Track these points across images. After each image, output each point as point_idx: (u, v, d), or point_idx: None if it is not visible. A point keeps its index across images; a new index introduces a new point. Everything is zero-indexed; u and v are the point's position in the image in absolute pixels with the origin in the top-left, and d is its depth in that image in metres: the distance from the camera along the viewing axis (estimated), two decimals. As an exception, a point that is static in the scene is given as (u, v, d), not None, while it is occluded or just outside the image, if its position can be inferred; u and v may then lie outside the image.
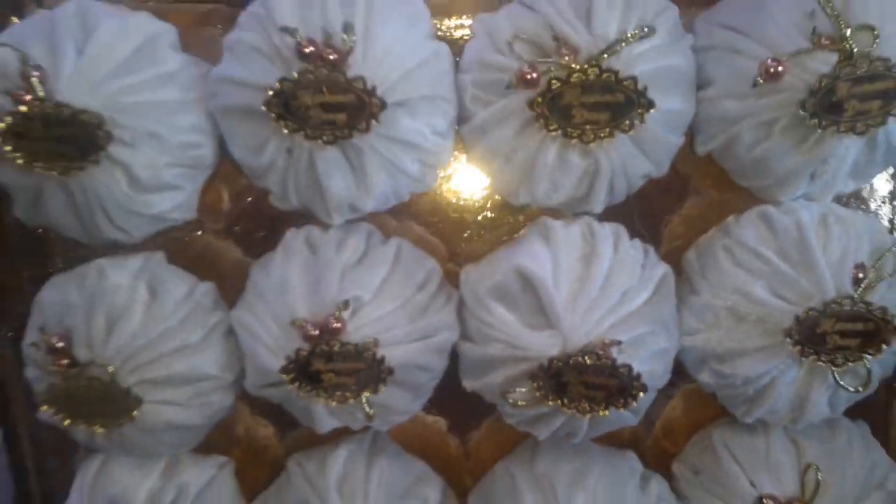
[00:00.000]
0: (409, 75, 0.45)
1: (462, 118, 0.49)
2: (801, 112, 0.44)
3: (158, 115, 0.47)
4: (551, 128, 0.45)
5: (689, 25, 0.51)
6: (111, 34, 0.46)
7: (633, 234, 0.54)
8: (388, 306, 0.49)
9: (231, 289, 0.55)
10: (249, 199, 0.56)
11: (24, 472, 0.62)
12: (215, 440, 0.58)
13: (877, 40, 0.43)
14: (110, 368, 0.48)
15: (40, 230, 0.56)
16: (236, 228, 0.57)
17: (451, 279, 0.55)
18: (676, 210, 0.58)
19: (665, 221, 0.58)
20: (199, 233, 0.57)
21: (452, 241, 0.58)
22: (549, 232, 0.50)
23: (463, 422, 0.61)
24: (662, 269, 0.51)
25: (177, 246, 0.55)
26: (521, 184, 0.49)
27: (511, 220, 0.56)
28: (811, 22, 0.44)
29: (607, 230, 0.51)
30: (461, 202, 0.57)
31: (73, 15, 0.47)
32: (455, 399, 0.56)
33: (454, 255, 0.58)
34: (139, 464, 0.55)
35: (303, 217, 0.53)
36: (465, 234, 0.57)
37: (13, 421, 0.61)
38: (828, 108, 0.44)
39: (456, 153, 0.54)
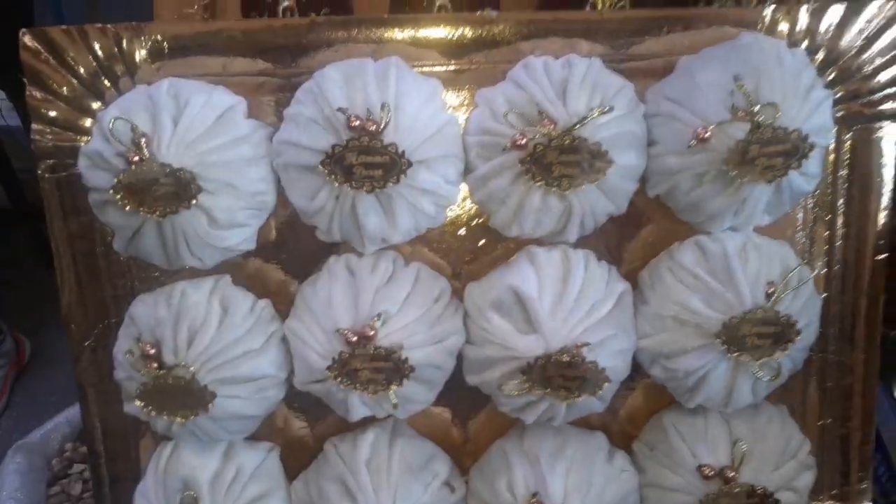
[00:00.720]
0: (428, 140, 0.57)
1: (468, 169, 0.61)
2: (724, 167, 0.56)
3: (235, 169, 0.58)
4: (536, 179, 0.56)
5: (643, 93, 0.62)
6: (199, 106, 0.57)
7: (601, 256, 0.65)
8: (410, 317, 0.59)
9: (277, 303, 0.66)
10: (293, 231, 0.67)
11: (97, 458, 0.72)
12: (261, 430, 0.68)
13: (778, 114, 0.55)
14: (192, 369, 0.58)
15: (122, 257, 0.66)
16: (283, 256, 0.67)
17: (456, 293, 0.65)
18: (635, 237, 0.67)
19: (626, 246, 0.67)
20: (252, 258, 0.67)
21: (456, 263, 0.68)
22: (535, 257, 0.61)
23: (464, 412, 0.71)
24: (622, 285, 0.62)
25: (234, 269, 0.66)
26: (513, 220, 0.60)
27: (504, 247, 0.66)
28: (731, 99, 0.56)
29: (580, 255, 0.62)
30: (464, 232, 0.67)
31: (167, 91, 0.58)
32: (457, 393, 0.66)
33: (457, 275, 0.68)
34: (204, 448, 0.65)
35: (335, 247, 0.64)
36: (467, 258, 0.67)
37: (89, 416, 0.71)
38: (743, 163, 0.56)
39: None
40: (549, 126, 0.56)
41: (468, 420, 0.72)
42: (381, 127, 0.55)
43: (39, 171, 0.64)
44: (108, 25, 0.62)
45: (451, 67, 0.64)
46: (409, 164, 0.56)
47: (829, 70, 0.64)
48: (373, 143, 0.55)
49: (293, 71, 0.64)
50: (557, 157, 0.56)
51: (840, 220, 0.67)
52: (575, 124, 0.55)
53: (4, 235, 1.87)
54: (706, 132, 0.56)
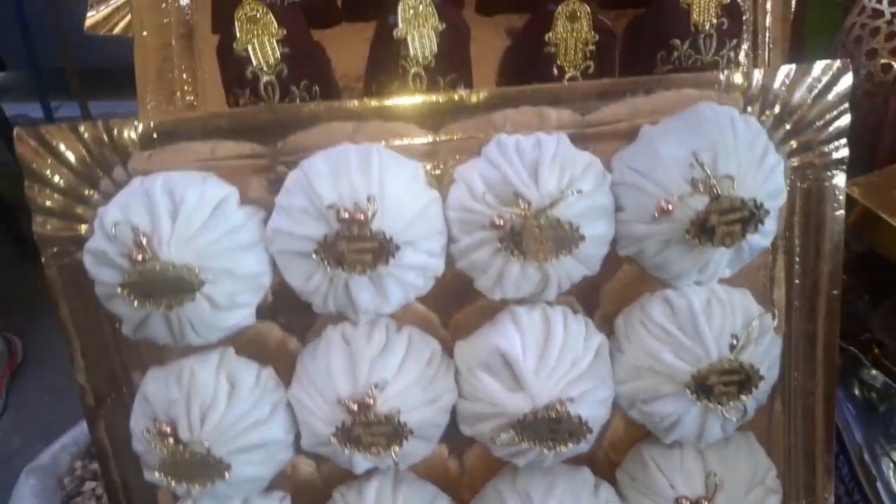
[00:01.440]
0: (413, 221, 0.61)
1: (451, 240, 0.65)
2: (687, 235, 0.61)
3: (232, 257, 0.61)
4: (515, 253, 0.61)
5: (610, 156, 0.67)
6: (194, 202, 0.60)
7: (578, 300, 0.70)
8: (405, 382, 0.63)
9: (277, 364, 0.70)
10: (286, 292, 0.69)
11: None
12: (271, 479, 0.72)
13: (735, 184, 0.59)
14: (206, 444, 0.62)
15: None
16: (281, 320, 0.72)
17: (445, 344, 0.70)
18: (612, 278, 0.72)
19: (603, 287, 0.72)
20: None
21: (445, 314, 0.72)
22: (517, 316, 0.65)
23: (459, 447, 0.75)
24: (599, 338, 0.67)
25: (235, 335, 0.68)
26: (496, 286, 0.64)
27: (488, 303, 0.70)
28: (691, 172, 0.60)
29: (558, 313, 0.66)
30: (451, 286, 0.70)
31: (161, 187, 0.61)
32: (451, 429, 0.69)
33: (447, 326, 0.72)
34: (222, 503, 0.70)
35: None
36: (455, 310, 0.72)
37: (108, 473, 0.75)
38: (704, 232, 0.60)
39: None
40: (523, 205, 0.60)
41: (463, 453, 0.77)
42: (369, 216, 0.59)
43: (44, 259, 0.67)
44: (99, 121, 0.65)
45: (429, 139, 0.68)
46: (397, 248, 0.60)
47: (785, 123, 0.69)
48: (362, 232, 0.59)
49: (279, 150, 0.67)
50: (533, 235, 0.60)
51: (797, 261, 0.72)
52: (548, 205, 0.60)
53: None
54: (668, 205, 0.60)
